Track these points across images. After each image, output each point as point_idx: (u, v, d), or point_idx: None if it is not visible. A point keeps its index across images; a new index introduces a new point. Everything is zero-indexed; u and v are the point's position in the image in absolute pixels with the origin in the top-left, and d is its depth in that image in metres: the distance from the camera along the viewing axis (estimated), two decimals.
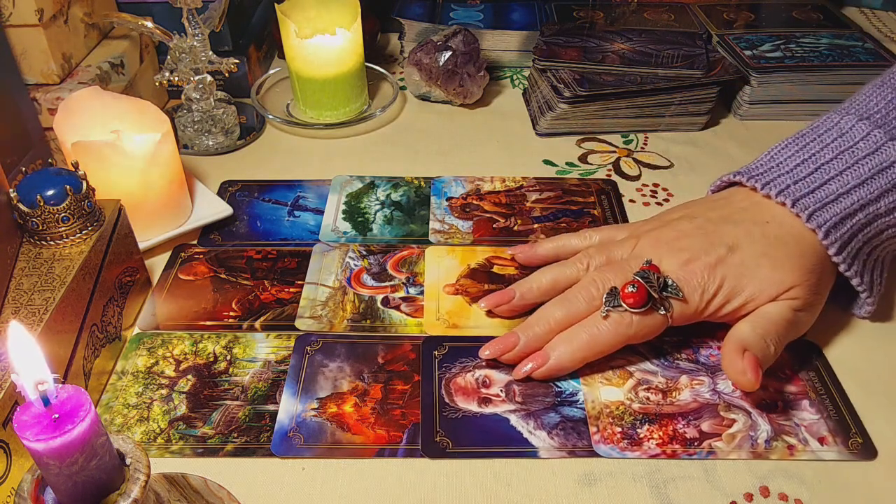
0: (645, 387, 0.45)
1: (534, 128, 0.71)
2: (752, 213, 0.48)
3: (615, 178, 0.64)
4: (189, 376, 0.46)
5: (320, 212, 0.60)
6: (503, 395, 0.45)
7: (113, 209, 0.47)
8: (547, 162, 0.66)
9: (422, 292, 0.52)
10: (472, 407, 0.44)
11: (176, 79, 0.65)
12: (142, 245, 0.52)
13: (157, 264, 0.55)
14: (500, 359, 0.46)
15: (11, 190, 0.43)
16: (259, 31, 0.79)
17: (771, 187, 0.48)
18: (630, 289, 0.44)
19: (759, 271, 0.46)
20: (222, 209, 0.58)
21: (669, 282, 0.45)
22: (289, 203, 0.61)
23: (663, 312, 0.45)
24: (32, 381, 0.27)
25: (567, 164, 0.66)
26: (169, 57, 0.65)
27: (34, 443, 0.26)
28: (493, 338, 0.47)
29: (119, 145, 0.50)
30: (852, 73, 0.71)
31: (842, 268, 0.47)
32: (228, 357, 0.47)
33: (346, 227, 0.58)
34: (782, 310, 0.45)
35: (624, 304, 0.44)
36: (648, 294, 0.44)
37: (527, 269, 0.54)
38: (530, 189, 0.62)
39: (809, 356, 0.47)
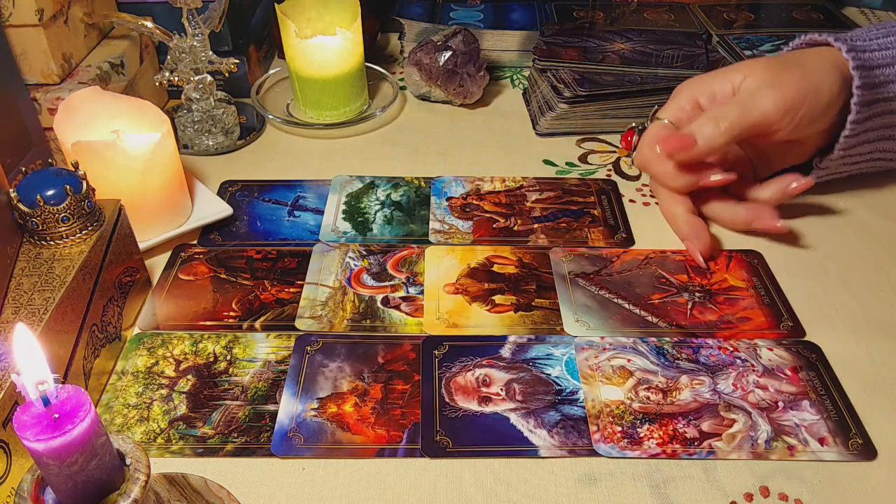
0: (645, 386, 0.45)
1: (534, 128, 0.71)
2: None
3: (615, 178, 0.64)
4: (189, 376, 0.46)
5: (320, 212, 0.60)
6: (503, 393, 0.45)
7: (113, 209, 0.47)
8: (547, 162, 0.66)
9: (422, 292, 0.52)
10: (472, 406, 0.44)
11: (176, 79, 0.65)
12: (142, 245, 0.52)
13: (157, 264, 0.55)
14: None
15: (11, 190, 0.43)
16: (259, 31, 0.79)
17: (840, 41, 0.53)
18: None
19: (734, 71, 0.54)
20: (222, 209, 0.58)
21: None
22: (289, 203, 0.61)
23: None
24: (33, 381, 0.27)
25: (567, 164, 0.66)
26: (169, 57, 0.65)
27: (34, 443, 0.26)
28: (492, 337, 0.48)
29: (119, 145, 0.50)
30: None
31: (856, 82, 0.50)
32: (228, 357, 0.47)
33: (346, 227, 0.58)
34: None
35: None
36: (635, 132, 0.61)
37: (525, 268, 0.54)
38: (530, 189, 0.62)
39: (809, 356, 0.47)
